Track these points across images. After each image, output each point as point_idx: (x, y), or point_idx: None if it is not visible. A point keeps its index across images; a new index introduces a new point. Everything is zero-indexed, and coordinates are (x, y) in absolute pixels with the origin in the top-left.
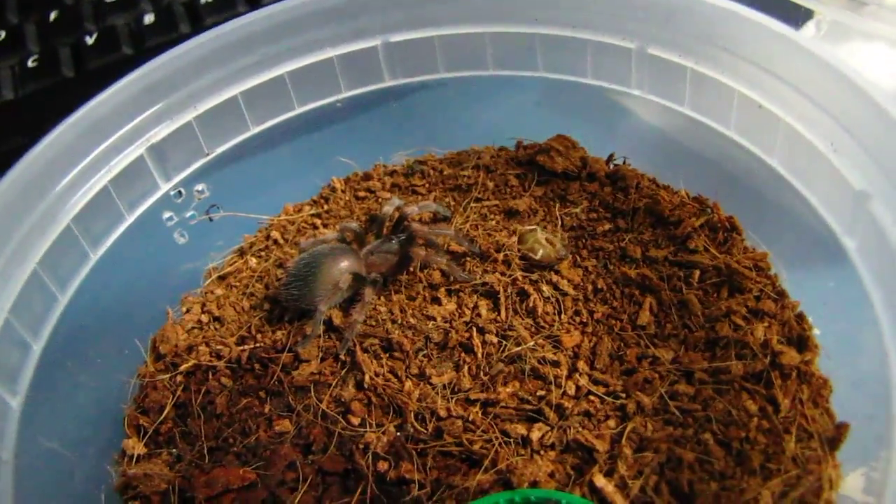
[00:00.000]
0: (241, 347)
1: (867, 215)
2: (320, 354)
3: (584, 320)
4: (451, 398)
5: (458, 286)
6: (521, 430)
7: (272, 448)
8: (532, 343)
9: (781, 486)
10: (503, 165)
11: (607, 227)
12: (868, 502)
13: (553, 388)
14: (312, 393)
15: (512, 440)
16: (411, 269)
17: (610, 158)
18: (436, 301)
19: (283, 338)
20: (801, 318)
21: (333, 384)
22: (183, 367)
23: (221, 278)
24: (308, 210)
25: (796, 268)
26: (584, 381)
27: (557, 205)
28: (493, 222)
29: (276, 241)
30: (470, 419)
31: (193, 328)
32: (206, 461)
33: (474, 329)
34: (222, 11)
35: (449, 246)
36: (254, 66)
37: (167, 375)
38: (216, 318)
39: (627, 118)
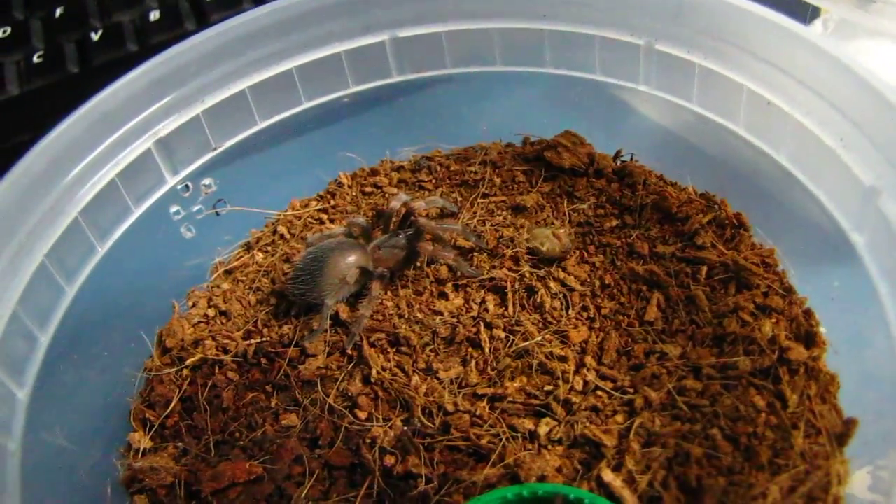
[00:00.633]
0: (248, 342)
1: (876, 211)
2: (327, 349)
3: (592, 316)
4: (459, 393)
5: (465, 281)
6: (528, 424)
7: (279, 442)
8: (539, 338)
9: (790, 482)
10: (510, 161)
11: (615, 223)
12: (875, 500)
13: (561, 383)
14: (319, 387)
15: (519, 435)
16: (418, 264)
17: (617, 155)
18: (443, 296)
19: (290, 332)
20: (808, 314)
21: (340, 378)
22: (189, 361)
23: (228, 273)
24: (315, 205)
25: (804, 264)
26: (591, 377)
27: (565, 201)
28: (501, 218)
29: (282, 236)
30: (477, 414)
31: (200, 322)
32: (213, 455)
33: (482, 324)
34: (227, 8)
35: (456, 241)
36: (262, 60)
37: (173, 369)
38: (223, 313)
39: (635, 114)
